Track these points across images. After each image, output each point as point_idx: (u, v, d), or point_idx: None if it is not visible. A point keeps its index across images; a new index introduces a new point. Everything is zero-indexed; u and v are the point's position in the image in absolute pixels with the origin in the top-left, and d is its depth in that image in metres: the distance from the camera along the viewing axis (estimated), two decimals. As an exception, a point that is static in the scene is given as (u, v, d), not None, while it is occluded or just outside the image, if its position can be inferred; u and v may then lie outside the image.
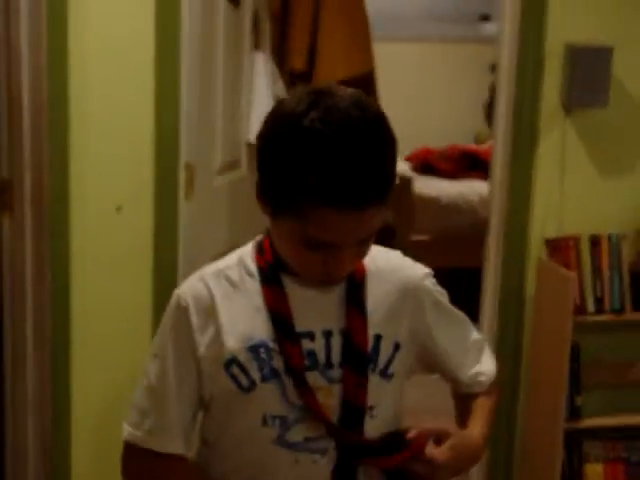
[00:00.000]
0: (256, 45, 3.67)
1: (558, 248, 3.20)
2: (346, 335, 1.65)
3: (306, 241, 1.53)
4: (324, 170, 1.45)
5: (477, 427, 1.77)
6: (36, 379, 2.97)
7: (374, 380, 1.67)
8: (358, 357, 1.64)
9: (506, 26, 3.22)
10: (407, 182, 5.89)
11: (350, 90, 1.57)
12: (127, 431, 1.72)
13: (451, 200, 5.92)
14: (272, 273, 1.66)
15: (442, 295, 1.81)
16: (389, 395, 1.71)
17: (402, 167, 6.30)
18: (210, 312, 1.66)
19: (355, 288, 1.67)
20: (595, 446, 3.29)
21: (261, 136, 1.55)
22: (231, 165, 3.54)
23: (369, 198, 1.47)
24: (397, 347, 1.70)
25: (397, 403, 1.76)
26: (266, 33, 3.82)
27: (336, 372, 1.64)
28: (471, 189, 5.93)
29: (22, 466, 3.05)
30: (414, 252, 5.92)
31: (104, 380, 3.06)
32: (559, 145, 3.25)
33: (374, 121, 1.51)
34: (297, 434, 1.64)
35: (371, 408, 1.66)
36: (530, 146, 3.24)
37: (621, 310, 3.21)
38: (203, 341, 1.65)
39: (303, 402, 1.62)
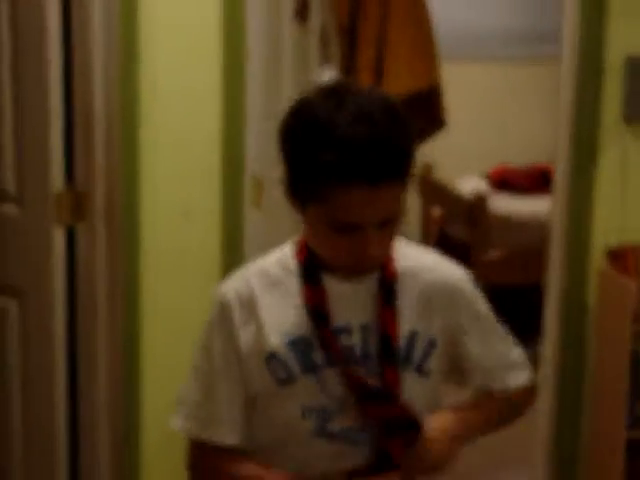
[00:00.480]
0: (324, 60, 3.77)
1: (618, 258, 3.22)
2: (379, 330, 1.71)
3: (331, 224, 1.60)
4: (336, 148, 1.53)
5: (457, 412, 1.78)
6: (108, 377, 3.10)
7: (409, 376, 1.73)
8: (390, 351, 1.70)
9: (566, 41, 3.26)
10: (482, 199, 5.92)
11: (369, 86, 1.67)
12: (179, 424, 1.79)
13: (526, 217, 5.93)
14: (310, 269, 1.73)
15: (478, 300, 1.85)
16: (425, 392, 1.76)
17: (478, 184, 6.34)
18: (251, 308, 1.73)
19: (386, 285, 1.73)
20: (659, 456, 3.29)
21: (280, 129, 1.64)
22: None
23: (382, 175, 1.54)
24: (432, 344, 1.75)
25: (434, 401, 1.80)
26: (334, 48, 3.93)
27: (372, 365, 1.71)
28: (546, 206, 5.93)
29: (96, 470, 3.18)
30: (490, 269, 5.93)
31: (174, 380, 3.16)
32: (620, 156, 3.28)
33: (387, 105, 1.60)
34: (337, 424, 1.70)
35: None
36: (591, 158, 3.27)
37: (682, 318, 3.21)
38: (245, 336, 1.73)
39: (344, 392, 1.69)
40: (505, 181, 6.42)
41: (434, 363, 1.76)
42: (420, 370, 1.74)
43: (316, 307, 1.71)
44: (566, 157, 3.31)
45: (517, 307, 5.22)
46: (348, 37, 4.21)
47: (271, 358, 1.71)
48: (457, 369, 1.84)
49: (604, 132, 3.27)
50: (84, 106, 2.99)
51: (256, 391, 1.75)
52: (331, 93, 1.60)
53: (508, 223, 5.94)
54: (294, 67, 3.44)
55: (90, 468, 3.15)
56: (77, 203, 3.02)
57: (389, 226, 1.64)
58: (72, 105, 3.00)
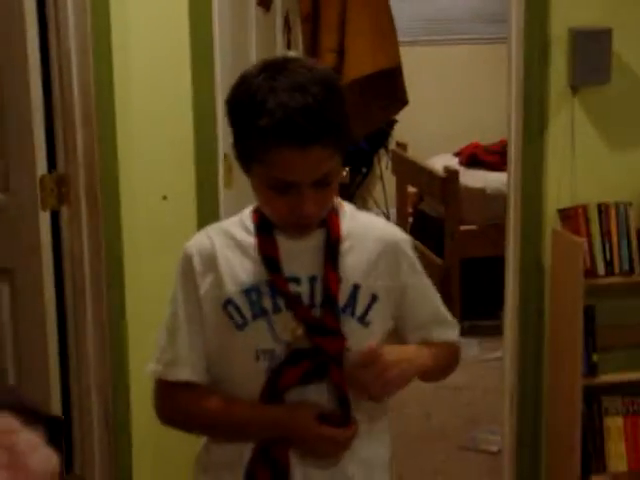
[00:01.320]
0: (288, 46, 3.98)
1: (569, 217, 3.44)
2: (323, 282, 1.91)
3: (270, 184, 1.81)
4: (270, 114, 1.73)
5: (415, 348, 2.03)
6: (96, 349, 3.31)
7: (351, 324, 1.94)
8: (331, 302, 1.91)
9: (513, 16, 3.46)
10: (454, 175, 6.10)
11: (311, 62, 1.87)
12: (150, 367, 2.00)
13: (496, 190, 6.10)
14: (264, 226, 1.95)
15: (418, 262, 2.05)
16: (366, 340, 1.93)
17: (450, 162, 6.52)
18: (211, 261, 1.94)
19: (331, 243, 1.93)
20: (614, 401, 3.51)
21: (226, 99, 1.86)
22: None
23: (310, 139, 1.74)
24: (374, 298, 1.95)
25: None
26: (297, 34, 4.13)
27: (317, 311, 1.91)
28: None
29: (89, 432, 3.39)
30: (464, 242, 6.08)
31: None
32: (568, 122, 3.48)
33: (323, 78, 1.80)
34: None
35: (347, 349, 1.92)
36: (542, 125, 3.48)
37: (631, 271, 3.43)
38: (205, 284, 1.93)
39: (291, 336, 1.90)
40: (475, 158, 6.59)
41: (374, 315, 1.96)
42: (362, 320, 1.95)
43: (268, 254, 1.92)
44: (518, 126, 3.51)
45: (490, 278, 5.42)
46: (311, 24, 4.43)
47: (228, 304, 1.91)
48: (400, 326, 2.06)
49: (552, 101, 3.48)
50: (63, 102, 3.18)
51: (213, 334, 1.95)
52: (270, 66, 1.80)
53: (480, 197, 6.12)
54: (260, 50, 3.64)
55: (83, 441, 3.36)
56: (60, 187, 3.22)
57: (324, 188, 1.84)
58: (51, 92, 3.19)
